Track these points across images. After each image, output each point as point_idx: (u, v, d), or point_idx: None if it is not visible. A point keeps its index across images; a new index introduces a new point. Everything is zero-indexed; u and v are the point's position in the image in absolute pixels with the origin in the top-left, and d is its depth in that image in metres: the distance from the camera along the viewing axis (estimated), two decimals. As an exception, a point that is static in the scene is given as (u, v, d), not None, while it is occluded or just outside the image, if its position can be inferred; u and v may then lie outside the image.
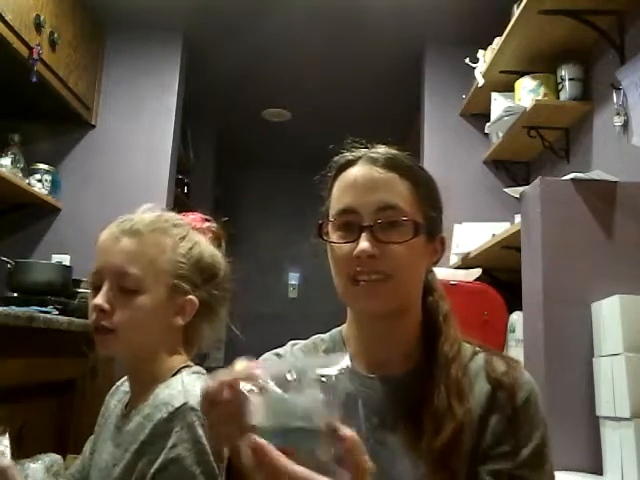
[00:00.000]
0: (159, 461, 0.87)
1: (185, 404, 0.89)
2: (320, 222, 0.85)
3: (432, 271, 0.91)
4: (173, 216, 1.05)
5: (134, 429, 0.94)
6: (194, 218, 1.11)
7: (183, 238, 1.01)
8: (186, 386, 0.94)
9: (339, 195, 0.83)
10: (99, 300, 0.94)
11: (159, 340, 0.99)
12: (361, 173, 0.82)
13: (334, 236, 0.82)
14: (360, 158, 0.84)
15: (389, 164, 0.82)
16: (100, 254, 0.99)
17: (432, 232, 0.84)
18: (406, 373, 0.82)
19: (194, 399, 0.90)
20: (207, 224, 1.12)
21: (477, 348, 0.85)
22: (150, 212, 1.04)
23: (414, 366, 0.82)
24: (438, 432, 0.74)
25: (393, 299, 0.80)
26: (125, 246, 0.96)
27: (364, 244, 0.78)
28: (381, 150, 0.85)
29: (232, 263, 1.10)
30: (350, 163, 0.84)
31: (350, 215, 0.81)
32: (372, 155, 0.83)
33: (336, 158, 0.86)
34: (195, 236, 1.05)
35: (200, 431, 0.87)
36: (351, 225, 0.80)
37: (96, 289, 0.97)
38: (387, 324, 0.84)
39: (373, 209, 0.79)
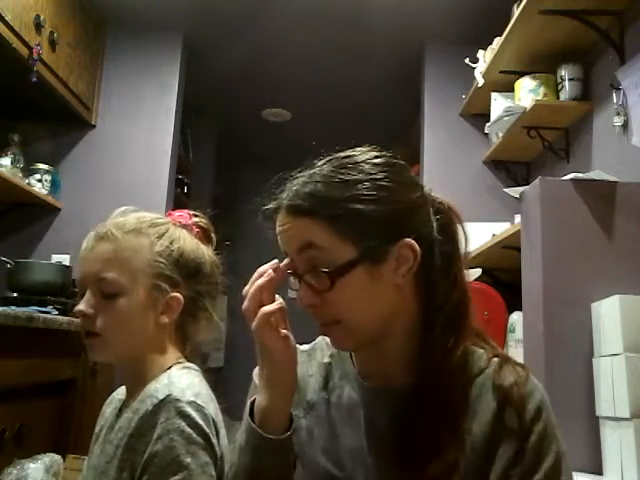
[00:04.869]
0: (147, 453, 0.88)
1: (169, 395, 0.91)
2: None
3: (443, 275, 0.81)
4: (151, 216, 1.05)
5: (124, 425, 0.96)
6: (181, 215, 1.10)
7: (161, 236, 1.01)
8: (171, 379, 0.95)
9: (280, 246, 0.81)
10: (81, 306, 0.97)
11: (148, 340, 1.00)
12: (280, 225, 0.78)
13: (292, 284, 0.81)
14: (279, 207, 0.78)
15: (300, 210, 0.75)
16: (80, 264, 1.01)
17: (374, 258, 0.75)
18: (405, 386, 0.78)
19: (178, 391, 0.91)
20: (194, 219, 1.11)
21: (492, 355, 0.80)
22: (125, 215, 1.03)
23: (414, 379, 0.78)
24: (424, 467, 0.71)
25: (352, 338, 0.78)
26: (100, 252, 0.98)
27: (300, 298, 0.77)
28: (294, 191, 0.77)
29: (223, 259, 1.10)
30: (275, 212, 0.79)
31: (289, 264, 0.78)
32: (285, 202, 0.77)
33: (263, 210, 0.81)
34: (175, 233, 1.03)
35: (183, 422, 0.88)
36: (293, 275, 0.79)
37: (82, 298, 0.99)
38: (368, 351, 0.82)
39: (297, 261, 0.77)
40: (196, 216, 1.12)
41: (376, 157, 0.80)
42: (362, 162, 0.78)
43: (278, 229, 0.78)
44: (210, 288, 1.06)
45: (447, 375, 0.75)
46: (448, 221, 0.83)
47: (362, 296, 0.75)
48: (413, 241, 0.76)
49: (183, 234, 1.05)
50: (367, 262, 0.74)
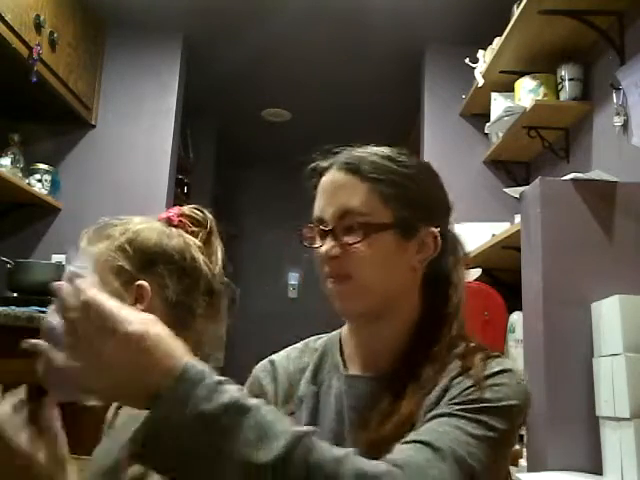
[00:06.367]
0: None
1: None
2: (300, 227, 0.87)
3: (453, 268, 0.87)
4: (113, 220, 1.08)
5: (127, 421, 0.96)
6: (169, 211, 1.11)
7: (122, 234, 1.04)
8: None
9: (316, 201, 0.86)
10: None
11: None
12: (328, 180, 0.84)
13: (315, 240, 0.85)
14: (332, 165, 0.85)
15: (350, 168, 0.83)
16: None
17: (406, 230, 0.82)
18: (385, 373, 0.81)
19: None
20: (182, 210, 1.11)
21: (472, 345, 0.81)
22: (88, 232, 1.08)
23: (397, 365, 0.81)
24: (378, 428, 0.74)
25: (358, 299, 0.81)
26: None
27: (325, 246, 0.82)
28: (349, 154, 0.85)
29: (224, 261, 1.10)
30: (326, 169, 0.85)
31: (320, 221, 0.84)
32: (339, 160, 0.84)
33: (313, 165, 0.88)
34: (138, 227, 1.05)
35: None
36: (321, 230, 0.83)
37: None
38: (371, 326, 0.85)
39: (333, 214, 0.82)
40: (185, 214, 1.11)
41: (421, 161, 0.91)
42: (410, 156, 0.88)
43: (325, 184, 0.84)
44: (191, 282, 1.04)
45: (423, 365, 0.78)
46: (454, 244, 0.91)
47: (382, 260, 0.81)
48: (438, 232, 0.84)
49: (150, 226, 1.05)
50: (398, 231, 0.81)
